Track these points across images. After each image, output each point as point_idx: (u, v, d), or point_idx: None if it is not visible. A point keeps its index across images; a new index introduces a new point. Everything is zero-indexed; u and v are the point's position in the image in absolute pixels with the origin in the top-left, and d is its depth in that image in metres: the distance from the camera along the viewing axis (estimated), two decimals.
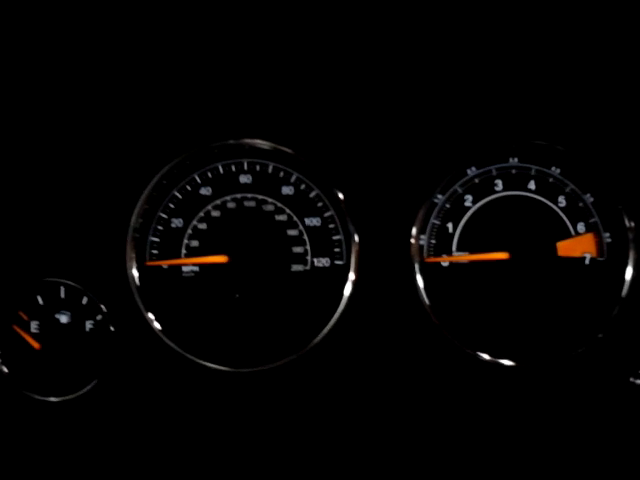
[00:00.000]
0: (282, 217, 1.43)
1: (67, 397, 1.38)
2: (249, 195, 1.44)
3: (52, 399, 1.38)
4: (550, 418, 1.36)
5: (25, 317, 1.40)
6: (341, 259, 1.42)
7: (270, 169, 1.44)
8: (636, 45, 1.38)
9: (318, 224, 1.43)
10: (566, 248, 1.41)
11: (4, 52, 1.41)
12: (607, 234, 1.41)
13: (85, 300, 1.40)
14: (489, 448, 1.36)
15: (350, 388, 1.38)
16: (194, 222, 1.44)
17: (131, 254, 1.41)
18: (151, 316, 1.41)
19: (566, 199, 1.41)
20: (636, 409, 1.34)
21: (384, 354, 1.38)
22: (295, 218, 1.43)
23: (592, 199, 1.41)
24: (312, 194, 1.44)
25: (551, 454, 1.34)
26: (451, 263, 1.42)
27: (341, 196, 1.40)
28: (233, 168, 1.44)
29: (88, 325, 1.40)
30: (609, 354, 1.37)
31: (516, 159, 1.42)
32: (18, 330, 1.39)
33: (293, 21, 1.40)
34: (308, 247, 1.43)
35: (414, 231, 1.40)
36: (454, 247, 1.42)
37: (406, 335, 1.39)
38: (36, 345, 1.39)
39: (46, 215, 1.42)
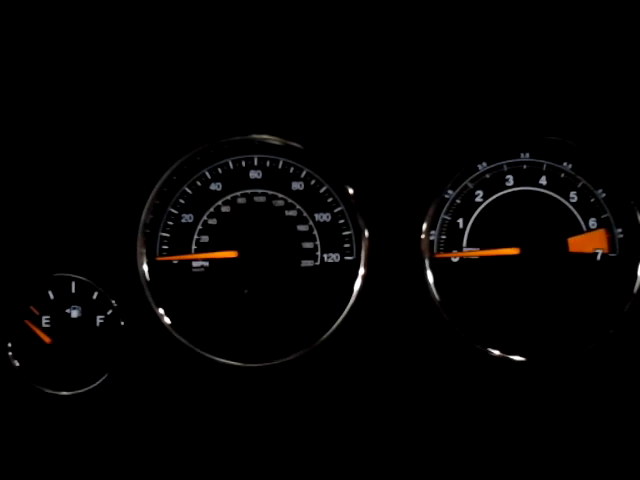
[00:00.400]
0: (292, 212, 1.43)
1: (78, 391, 1.39)
2: (259, 191, 1.44)
3: (63, 393, 1.39)
4: (561, 414, 1.36)
5: (36, 312, 1.41)
6: (351, 254, 1.42)
7: (280, 165, 1.44)
8: None
9: (328, 219, 1.43)
10: (577, 244, 1.40)
11: (23, 54, 1.42)
12: (619, 230, 1.40)
13: (96, 295, 1.40)
14: (500, 444, 1.36)
15: (360, 383, 1.38)
16: (204, 217, 1.44)
17: (141, 249, 1.41)
18: (161, 311, 1.41)
19: (578, 194, 1.41)
20: None
21: (394, 350, 1.38)
22: (305, 213, 1.43)
23: (604, 195, 1.40)
24: (322, 189, 1.44)
25: (562, 450, 1.34)
26: (461, 259, 1.42)
27: (351, 191, 1.40)
28: (243, 164, 1.45)
29: (99, 320, 1.40)
30: (620, 350, 1.36)
31: (527, 154, 1.42)
32: (29, 325, 1.40)
33: (303, 17, 1.40)
34: (318, 242, 1.43)
35: (424, 226, 1.39)
36: (464, 243, 1.42)
37: (416, 331, 1.38)
38: (47, 340, 1.40)
39: (57, 211, 1.43)
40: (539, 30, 1.38)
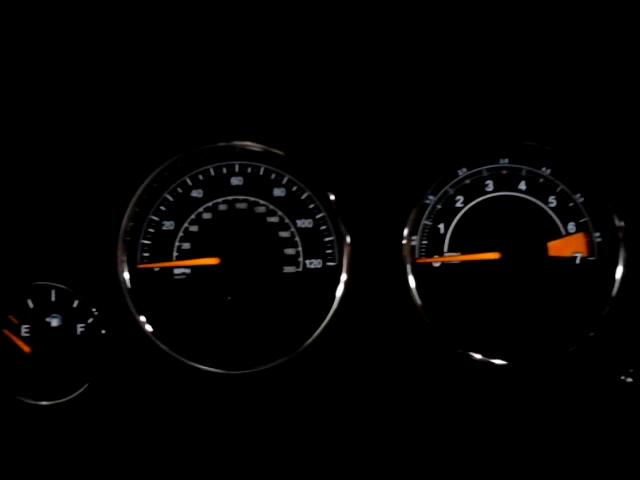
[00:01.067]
0: (274, 219, 1.43)
1: (58, 401, 1.37)
2: (240, 197, 1.44)
3: (43, 403, 1.37)
4: (542, 417, 1.37)
5: (15, 321, 1.39)
6: (333, 260, 1.43)
7: (261, 171, 1.44)
8: (624, 47, 1.40)
9: (310, 226, 1.43)
10: (557, 248, 1.41)
11: None
12: (597, 234, 1.42)
13: (76, 303, 1.39)
14: (481, 447, 1.36)
15: (343, 389, 1.38)
16: (185, 224, 1.43)
17: (122, 257, 1.41)
18: (142, 319, 1.40)
19: (556, 199, 1.42)
20: (627, 407, 1.35)
21: (376, 355, 1.38)
22: (287, 220, 1.43)
23: (582, 199, 1.42)
24: (304, 196, 1.44)
25: (543, 453, 1.35)
26: (443, 263, 1.43)
27: (332, 197, 1.40)
28: (224, 170, 1.44)
29: (79, 328, 1.39)
30: (600, 353, 1.37)
31: (506, 160, 1.43)
32: (8, 334, 1.38)
33: (283, 24, 1.40)
34: (300, 249, 1.43)
35: (406, 232, 1.40)
36: (446, 248, 1.43)
37: (398, 335, 1.39)
38: (27, 349, 1.38)
39: (36, 218, 1.41)
40: (516, 37, 1.40)
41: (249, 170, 1.44)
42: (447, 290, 1.42)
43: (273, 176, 1.44)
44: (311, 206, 1.44)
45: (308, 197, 1.44)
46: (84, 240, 1.40)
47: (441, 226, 1.43)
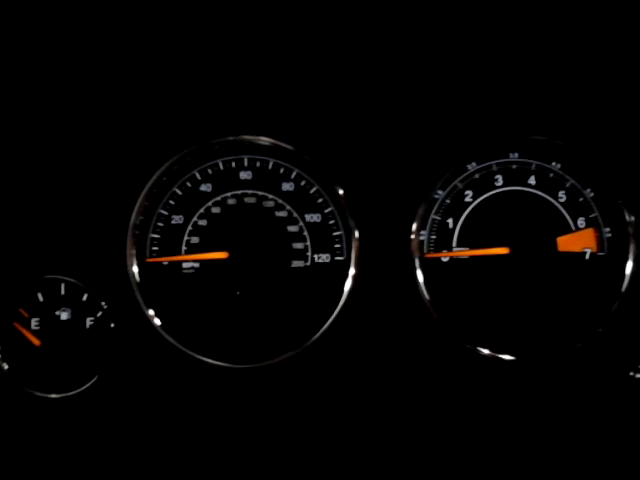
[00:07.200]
0: (282, 213, 1.43)
1: (68, 394, 1.38)
2: (249, 191, 1.44)
3: (53, 396, 1.38)
4: (550, 412, 1.36)
5: (26, 314, 1.40)
6: (341, 255, 1.43)
7: (270, 165, 1.44)
8: (634, 41, 1.39)
9: (318, 220, 1.43)
10: (566, 243, 1.41)
11: (5, 50, 1.41)
12: (607, 229, 1.41)
13: (85, 297, 1.40)
14: (489, 442, 1.36)
15: (350, 383, 1.39)
16: (194, 219, 1.44)
17: (131, 251, 1.41)
18: (151, 312, 1.41)
19: (566, 194, 1.42)
20: (636, 403, 1.35)
21: (384, 349, 1.38)
22: (295, 214, 1.43)
23: (592, 194, 1.41)
24: (312, 190, 1.44)
25: (551, 448, 1.35)
26: (451, 258, 1.42)
27: (341, 192, 1.40)
28: (233, 164, 1.45)
29: (88, 322, 1.40)
30: (609, 348, 1.37)
31: (516, 154, 1.43)
32: (19, 327, 1.39)
33: (293, 19, 1.40)
34: (308, 243, 1.43)
35: (414, 227, 1.40)
36: (454, 242, 1.43)
37: (406, 330, 1.39)
38: (37, 342, 1.39)
39: (47, 212, 1.42)
40: (526, 31, 1.39)
41: (258, 164, 1.44)
42: (455, 285, 1.42)
43: (282, 170, 1.44)
44: (320, 200, 1.43)
45: (317, 191, 1.44)
46: (94, 234, 1.41)
47: (450, 221, 1.43)
